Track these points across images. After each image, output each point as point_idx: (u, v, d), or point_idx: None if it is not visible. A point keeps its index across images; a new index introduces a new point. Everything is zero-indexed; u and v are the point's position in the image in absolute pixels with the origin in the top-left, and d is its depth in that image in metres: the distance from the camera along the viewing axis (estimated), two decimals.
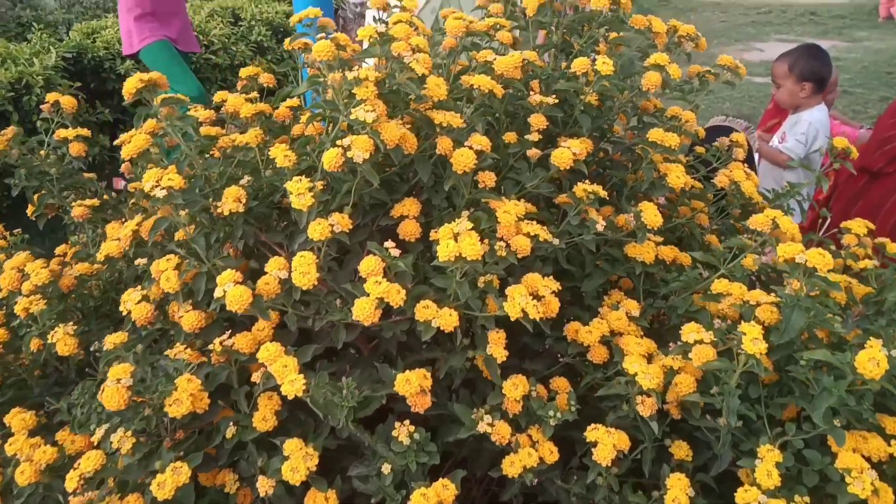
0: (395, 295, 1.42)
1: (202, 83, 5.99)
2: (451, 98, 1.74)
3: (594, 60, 1.87)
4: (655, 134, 1.96)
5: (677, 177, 1.97)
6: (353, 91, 1.49)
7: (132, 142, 1.77)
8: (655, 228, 1.87)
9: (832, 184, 4.11)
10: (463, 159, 1.62)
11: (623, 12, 1.97)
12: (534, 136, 1.88)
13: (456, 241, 1.49)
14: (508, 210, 1.68)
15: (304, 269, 1.45)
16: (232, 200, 1.58)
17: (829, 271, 1.55)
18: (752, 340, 1.43)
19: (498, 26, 2.06)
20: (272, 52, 7.93)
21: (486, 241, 1.72)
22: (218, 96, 1.92)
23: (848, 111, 7.90)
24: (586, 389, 1.82)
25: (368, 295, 1.41)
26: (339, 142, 1.48)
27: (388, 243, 1.51)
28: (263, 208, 1.71)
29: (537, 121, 1.90)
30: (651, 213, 1.85)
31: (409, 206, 1.73)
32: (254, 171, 1.74)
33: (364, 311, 1.39)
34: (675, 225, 2.20)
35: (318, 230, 1.48)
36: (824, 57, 3.90)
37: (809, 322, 1.56)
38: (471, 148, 1.65)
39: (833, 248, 2.22)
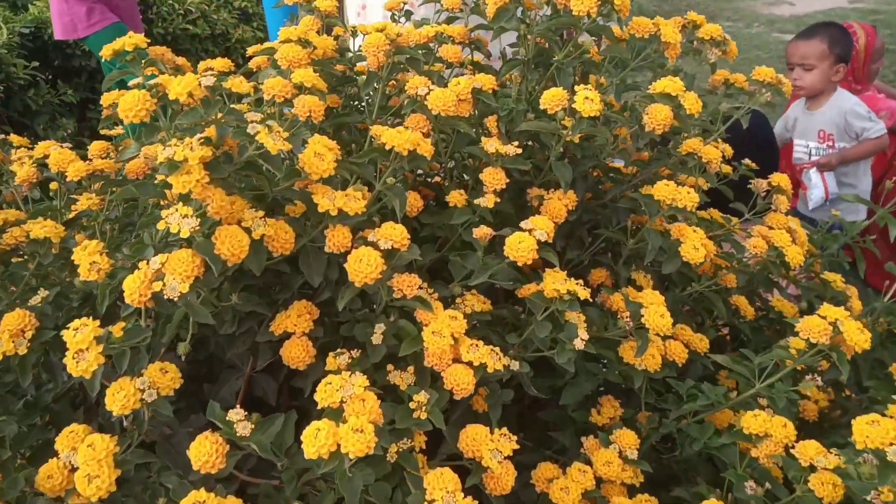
0: None
1: (180, 56, 5.43)
2: (356, 162, 1.17)
3: (573, 92, 1.29)
4: (662, 189, 1.39)
5: (695, 248, 1.39)
6: (167, 180, 0.92)
7: None
8: (662, 334, 1.31)
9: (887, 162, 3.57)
10: (363, 267, 1.06)
11: (619, 17, 1.37)
12: (488, 201, 1.32)
13: (340, 419, 0.94)
14: (440, 329, 1.12)
15: (93, 470, 0.91)
16: (8, 337, 1.03)
17: None
18: None
19: (443, 37, 1.47)
20: (258, 18, 7.30)
21: (412, 368, 1.18)
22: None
23: (889, 74, 7.15)
24: None
25: None
26: (142, 265, 0.93)
27: (235, 413, 0.96)
28: None
29: (492, 178, 1.33)
30: (655, 315, 1.29)
31: (296, 318, 1.18)
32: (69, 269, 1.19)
33: None
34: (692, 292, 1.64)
35: (118, 401, 0.94)
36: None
37: None
38: (376, 246, 1.08)
39: None
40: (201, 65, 1.74)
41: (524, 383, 1.27)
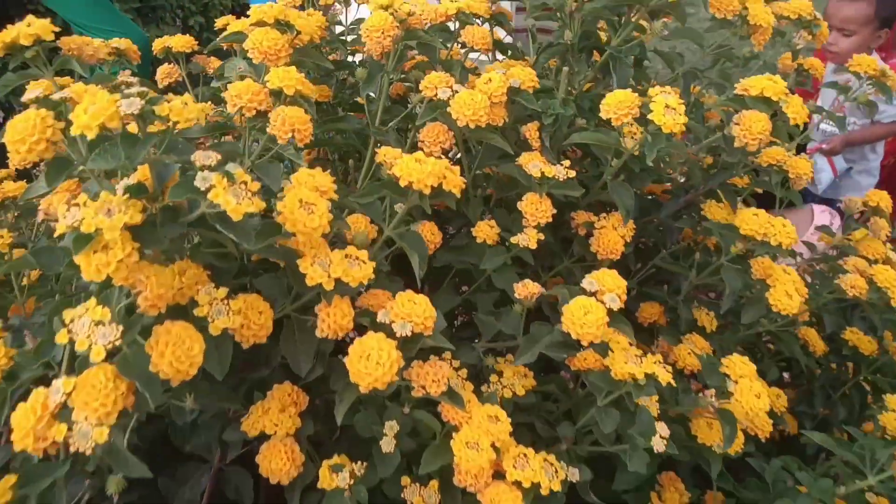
0: None
1: (152, 11, 5.04)
2: (360, 202, 0.85)
3: (642, 94, 0.96)
4: (750, 221, 1.07)
5: (787, 295, 1.09)
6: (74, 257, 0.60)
7: None
8: (754, 413, 1.00)
9: None
10: (371, 367, 0.74)
11: None
12: (530, 239, 0.99)
13: None
14: (476, 439, 0.81)
15: None
16: None
17: None
18: None
19: (467, 14, 1.13)
20: None
21: (435, 483, 0.87)
22: None
23: None
24: None
25: None
26: (38, 392, 0.60)
27: None
28: None
29: (535, 208, 1.01)
30: (749, 394, 0.98)
31: (277, 414, 0.86)
32: None
33: None
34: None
35: None
36: None
37: None
38: (390, 331, 0.76)
39: None
40: (157, 42, 1.41)
41: (581, 489, 0.96)
